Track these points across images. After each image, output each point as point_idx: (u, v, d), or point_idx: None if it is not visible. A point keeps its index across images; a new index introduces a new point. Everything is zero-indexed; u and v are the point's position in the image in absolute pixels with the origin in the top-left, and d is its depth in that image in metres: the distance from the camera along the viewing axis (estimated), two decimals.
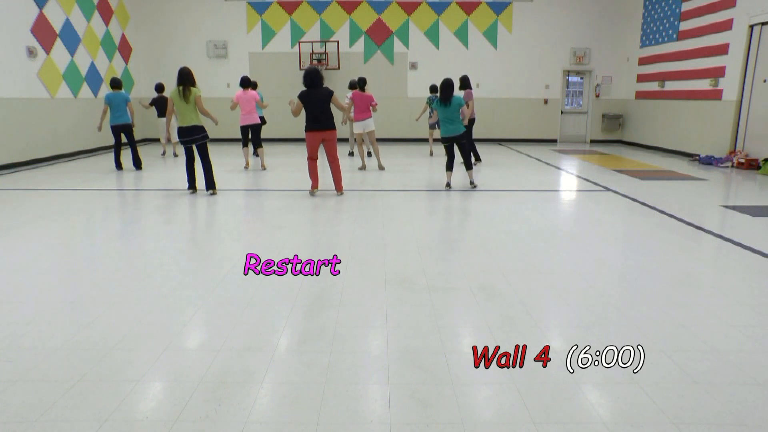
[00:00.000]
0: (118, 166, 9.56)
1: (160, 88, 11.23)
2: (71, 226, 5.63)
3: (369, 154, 11.76)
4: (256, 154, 11.92)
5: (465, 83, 10.09)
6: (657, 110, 13.37)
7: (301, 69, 14.49)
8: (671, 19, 12.64)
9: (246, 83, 9.62)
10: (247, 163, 9.92)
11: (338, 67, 14.54)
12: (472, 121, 10.19)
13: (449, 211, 6.47)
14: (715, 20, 11.01)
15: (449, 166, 7.82)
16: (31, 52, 10.20)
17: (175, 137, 11.47)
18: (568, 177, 9.30)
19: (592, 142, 15.52)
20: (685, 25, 12.10)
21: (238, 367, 2.68)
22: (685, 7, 12.07)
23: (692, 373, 2.64)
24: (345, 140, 13.86)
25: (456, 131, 7.57)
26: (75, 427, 2.20)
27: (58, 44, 11.08)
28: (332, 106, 7.05)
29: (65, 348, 2.88)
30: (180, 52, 14.85)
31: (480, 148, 13.61)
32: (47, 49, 10.71)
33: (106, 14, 13.00)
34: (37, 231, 5.38)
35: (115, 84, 9.26)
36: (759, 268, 4.30)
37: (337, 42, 14.54)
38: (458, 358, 2.78)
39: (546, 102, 15.28)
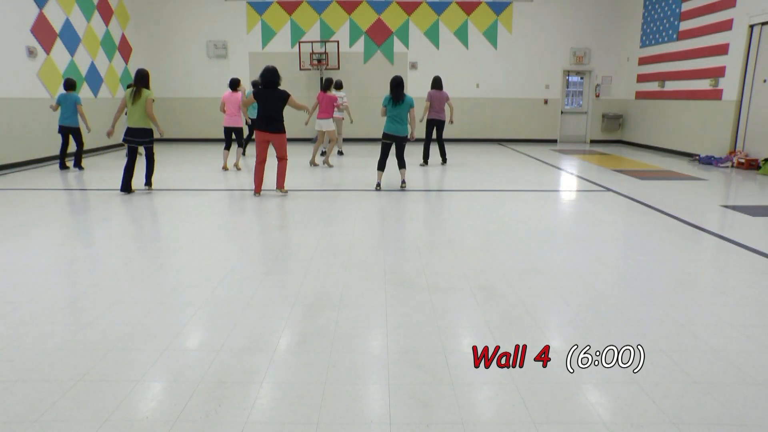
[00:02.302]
0: (62, 165, 9.62)
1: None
2: (71, 226, 5.63)
3: (323, 153, 11.91)
4: (244, 153, 11.94)
5: (436, 84, 10.14)
6: (657, 110, 13.37)
7: (301, 69, 14.50)
8: (671, 19, 12.64)
9: (233, 85, 9.61)
10: (225, 165, 9.69)
11: (338, 67, 14.54)
12: (441, 122, 10.21)
13: (449, 211, 6.47)
14: (715, 20, 11.01)
15: (381, 166, 7.75)
16: (31, 52, 10.20)
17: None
18: (568, 177, 9.30)
19: (592, 142, 15.51)
20: (685, 25, 12.10)
21: (238, 367, 2.68)
22: (685, 7, 12.07)
23: (692, 373, 2.64)
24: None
25: (402, 131, 7.59)
26: (75, 427, 2.20)
27: (58, 44, 11.08)
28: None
29: (65, 348, 2.88)
30: (180, 52, 14.86)
31: (480, 148, 13.62)
32: (47, 49, 10.70)
33: (106, 14, 12.99)
34: (37, 231, 5.38)
35: (68, 85, 9.32)
36: (759, 268, 4.30)
37: (337, 42, 14.54)
38: (458, 358, 2.78)
39: (546, 102, 15.28)
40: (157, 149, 11.61)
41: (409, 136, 7.76)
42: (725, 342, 2.98)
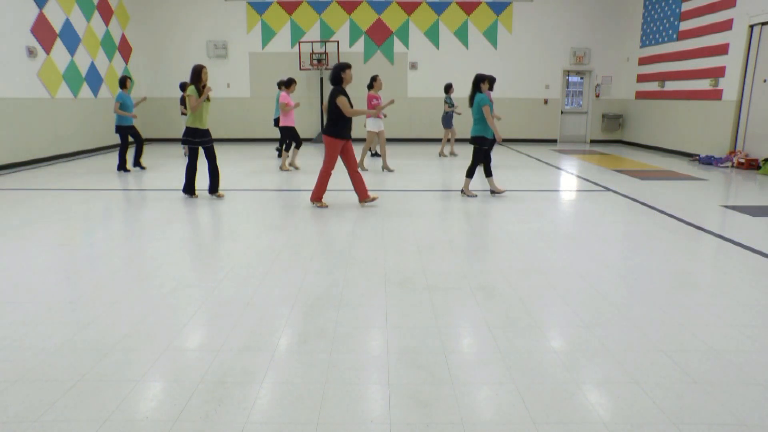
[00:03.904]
0: (119, 167, 9.40)
1: (183, 87, 11.18)
2: (71, 227, 5.63)
3: (376, 154, 11.72)
4: (279, 155, 11.71)
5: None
6: (657, 110, 13.37)
7: (301, 69, 14.50)
8: (671, 19, 12.64)
9: (284, 84, 9.56)
10: (292, 164, 9.73)
11: None
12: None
13: (449, 211, 6.47)
14: (715, 20, 11.01)
15: (487, 172, 7.26)
16: (31, 52, 10.20)
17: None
18: (569, 177, 9.29)
19: (592, 142, 15.51)
20: (685, 25, 12.10)
21: (238, 367, 2.68)
22: (685, 7, 12.07)
23: (692, 373, 2.64)
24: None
25: (474, 131, 7.01)
26: (75, 427, 2.20)
27: (58, 44, 11.08)
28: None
29: (65, 348, 2.88)
30: (180, 52, 14.85)
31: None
32: (47, 49, 10.70)
33: (106, 14, 13.00)
34: (37, 231, 5.38)
35: (119, 83, 9.30)
36: (759, 268, 4.30)
37: (337, 42, 14.54)
38: (458, 358, 2.78)
39: (546, 102, 15.28)
40: (158, 149, 11.63)
41: (495, 139, 7.00)
42: (725, 342, 2.98)
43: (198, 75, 6.77)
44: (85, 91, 12.09)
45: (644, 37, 13.89)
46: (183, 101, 10.98)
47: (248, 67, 14.87)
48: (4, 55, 9.54)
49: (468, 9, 14.80)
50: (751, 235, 5.28)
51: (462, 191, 7.30)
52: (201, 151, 7.05)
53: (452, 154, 12.03)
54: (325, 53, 14.33)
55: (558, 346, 2.92)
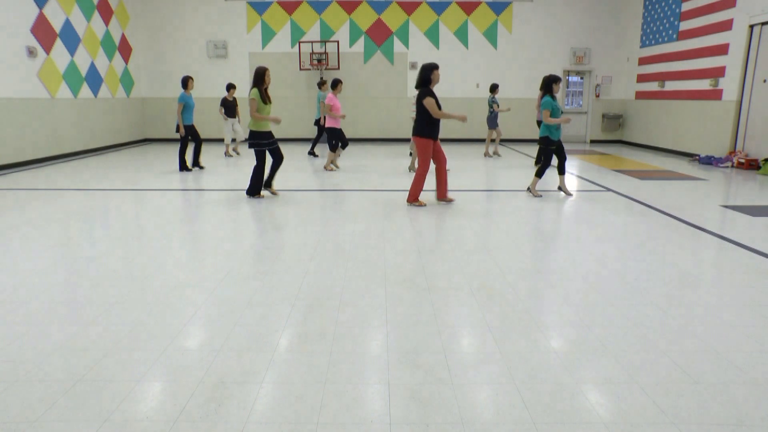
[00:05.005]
0: (194, 163, 9.70)
1: (229, 88, 11.29)
2: (71, 227, 5.63)
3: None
4: (310, 152, 11.84)
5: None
6: (657, 110, 13.37)
7: (301, 69, 14.50)
8: (671, 19, 12.64)
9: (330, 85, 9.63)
10: (334, 163, 9.85)
11: (338, 67, 14.55)
12: (538, 123, 8.98)
13: (449, 211, 6.47)
14: (715, 20, 11.01)
15: (537, 171, 7.30)
16: (31, 52, 10.20)
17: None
18: (569, 177, 9.29)
19: (592, 142, 15.52)
20: (685, 25, 12.10)
21: (238, 367, 2.68)
22: (685, 7, 12.07)
23: (692, 373, 2.64)
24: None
25: (540, 133, 7.30)
26: (75, 427, 2.20)
27: (58, 44, 11.08)
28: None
29: (65, 348, 2.88)
30: (180, 52, 14.86)
31: (480, 148, 13.61)
32: (47, 49, 10.70)
33: (106, 14, 13.00)
34: (37, 231, 5.38)
35: (181, 84, 9.40)
36: (759, 268, 4.30)
37: (337, 42, 14.54)
38: (458, 358, 2.78)
39: None
40: (159, 149, 11.62)
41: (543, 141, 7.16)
42: (725, 342, 2.98)
43: (261, 78, 6.63)
44: (85, 91, 12.09)
45: (644, 37, 13.89)
46: (223, 102, 11.22)
47: (248, 67, 14.86)
48: (4, 55, 9.54)
49: (468, 9, 14.81)
50: (751, 235, 5.28)
51: (528, 189, 7.41)
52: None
53: (496, 154, 12.05)
54: (325, 53, 14.33)
55: (558, 346, 2.92)
